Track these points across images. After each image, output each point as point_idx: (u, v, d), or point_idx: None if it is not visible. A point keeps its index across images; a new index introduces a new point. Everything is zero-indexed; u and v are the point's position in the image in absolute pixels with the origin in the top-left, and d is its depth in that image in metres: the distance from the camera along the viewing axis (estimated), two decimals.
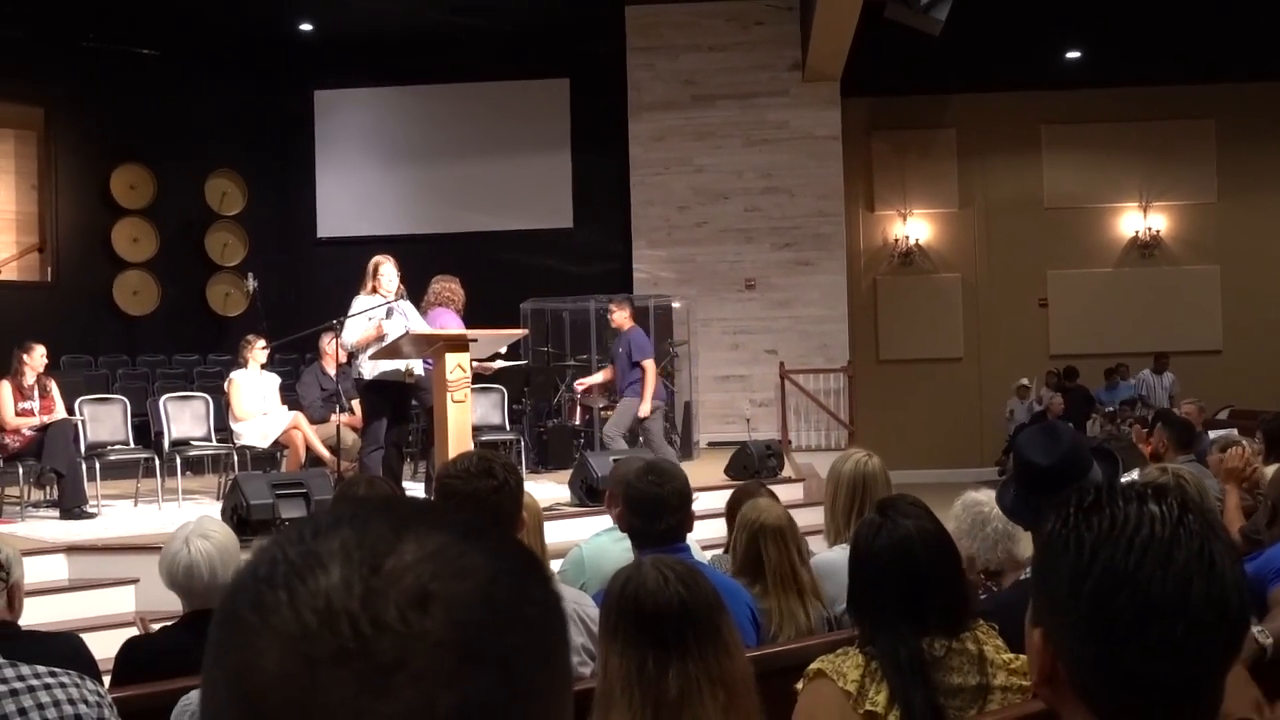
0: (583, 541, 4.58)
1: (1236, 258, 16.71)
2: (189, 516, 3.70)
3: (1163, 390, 15.31)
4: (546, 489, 9.36)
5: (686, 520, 3.62)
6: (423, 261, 10.12)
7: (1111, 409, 14.60)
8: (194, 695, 2.67)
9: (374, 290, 8.10)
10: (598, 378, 10.35)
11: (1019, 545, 3.98)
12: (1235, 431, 8.93)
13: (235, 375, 9.86)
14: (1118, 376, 15.91)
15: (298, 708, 0.63)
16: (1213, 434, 8.73)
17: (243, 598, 0.68)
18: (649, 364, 9.93)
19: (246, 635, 0.66)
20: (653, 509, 3.51)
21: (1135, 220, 17.00)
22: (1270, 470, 5.10)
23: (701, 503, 8.85)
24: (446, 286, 9.35)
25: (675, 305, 14.14)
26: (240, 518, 6.88)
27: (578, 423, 12.11)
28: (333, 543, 0.68)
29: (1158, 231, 16.96)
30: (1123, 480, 3.77)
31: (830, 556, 4.12)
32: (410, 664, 0.64)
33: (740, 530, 3.82)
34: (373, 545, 0.67)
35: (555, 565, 4.51)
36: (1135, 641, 1.17)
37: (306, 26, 15.70)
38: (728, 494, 5.10)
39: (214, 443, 10.03)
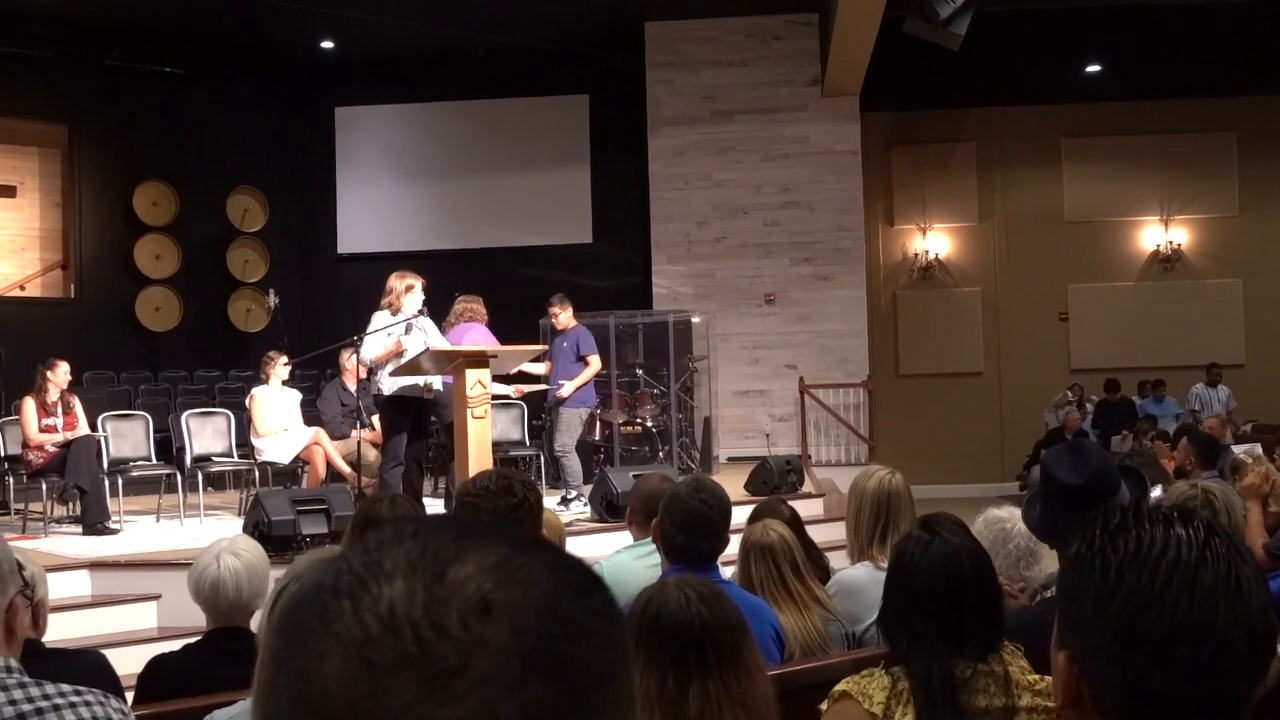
0: (603, 558, 4.57)
1: (1259, 271, 16.63)
2: (211, 532, 3.72)
3: (1219, 404, 15.09)
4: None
5: (723, 544, 3.64)
6: (443, 277, 10.14)
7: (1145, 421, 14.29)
8: (219, 714, 2.67)
9: (395, 309, 8.10)
10: (539, 368, 9.86)
11: (1041, 563, 3.96)
12: (1259, 446, 8.89)
13: (257, 391, 9.91)
14: (1155, 391, 15.73)
15: (360, 712, 0.65)
16: (1236, 449, 8.70)
17: (307, 607, 0.69)
18: (596, 359, 9.88)
19: (310, 642, 0.67)
20: (699, 527, 3.51)
21: (1157, 234, 16.94)
22: None
23: None
24: (469, 306, 9.40)
25: (695, 320, 14.15)
26: (262, 533, 6.89)
27: (597, 439, 12.11)
28: (396, 554, 0.70)
29: (1179, 245, 16.89)
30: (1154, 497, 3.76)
31: (854, 574, 4.11)
32: (472, 670, 0.65)
33: (740, 548, 3.86)
34: (435, 555, 0.69)
35: None
36: (1162, 664, 1.17)
37: (328, 44, 15.79)
38: (747, 509, 5.09)
39: (235, 458, 10.06)
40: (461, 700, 0.64)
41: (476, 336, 8.87)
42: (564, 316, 9.92)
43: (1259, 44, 15.42)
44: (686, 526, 3.51)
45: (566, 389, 9.55)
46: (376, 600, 0.67)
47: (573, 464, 9.56)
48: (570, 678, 0.67)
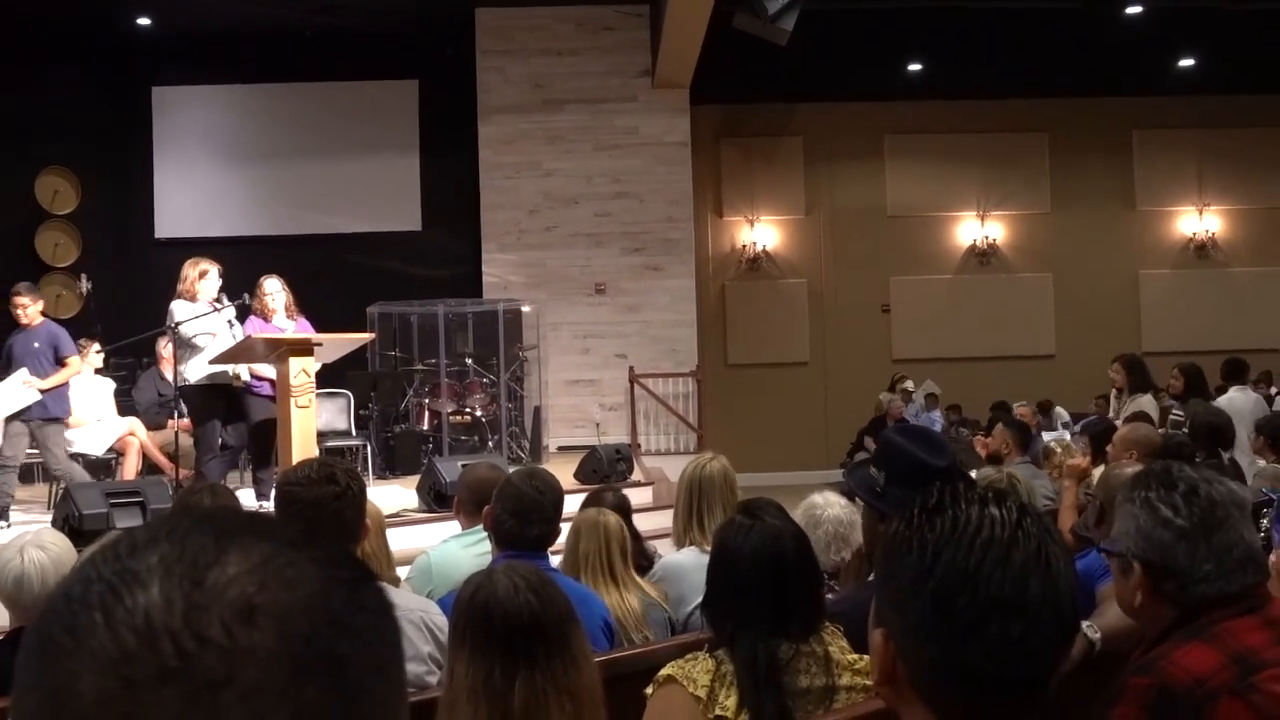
0: (430, 548, 4.52)
1: (1068, 265, 17.38)
2: (17, 528, 3.54)
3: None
4: (394, 495, 9.22)
5: (554, 533, 3.66)
6: (266, 264, 9.85)
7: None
8: None
9: (191, 296, 7.81)
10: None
11: (853, 548, 4.06)
12: (1067, 434, 9.27)
13: None
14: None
15: None
16: (1046, 435, 9.07)
17: (55, 622, 0.64)
18: (76, 360, 8.59)
19: (60, 661, 0.62)
20: (529, 513, 3.52)
21: (973, 229, 17.53)
22: (1097, 472, 5.30)
23: None
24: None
25: (525, 309, 14.09)
26: (72, 528, 6.60)
27: (426, 428, 11.97)
28: (151, 558, 0.65)
29: (995, 240, 17.52)
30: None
31: (677, 558, 4.15)
32: (239, 680, 0.61)
33: (569, 532, 3.89)
34: (193, 559, 0.65)
35: (402, 572, 4.44)
36: (975, 640, 1.20)
37: (145, 21, 15.21)
38: (578, 498, 5.10)
39: None
40: (229, 712, 0.61)
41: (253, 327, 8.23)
42: (33, 310, 8.42)
43: (1071, 49, 16.09)
44: (518, 512, 3.51)
45: (41, 385, 8.11)
46: (131, 611, 0.62)
47: (76, 474, 8.25)
48: (344, 678, 0.65)
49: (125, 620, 0.62)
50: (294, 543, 0.68)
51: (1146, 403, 8.45)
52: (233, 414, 7.98)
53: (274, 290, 8.25)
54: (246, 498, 8.36)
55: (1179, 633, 2.00)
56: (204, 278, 7.86)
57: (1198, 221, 17.70)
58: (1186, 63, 17.02)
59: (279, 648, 0.63)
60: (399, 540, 5.19)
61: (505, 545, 3.53)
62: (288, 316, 8.27)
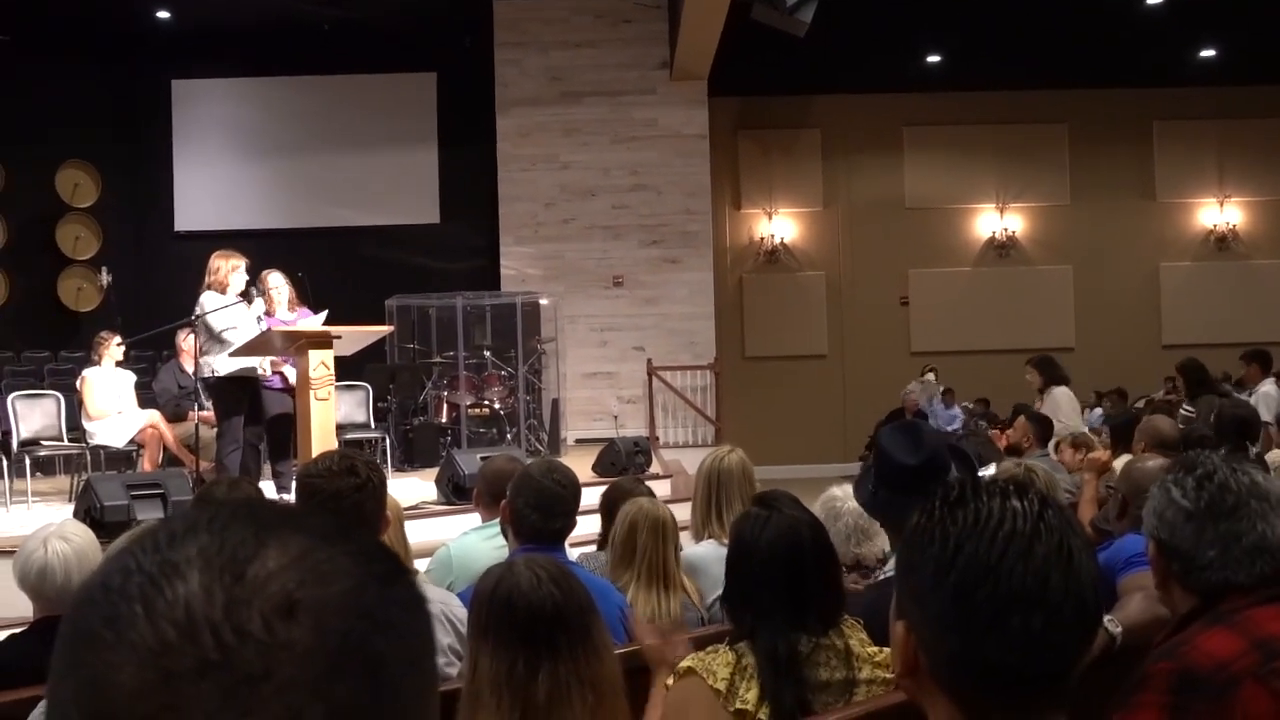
0: (450, 541, 4.53)
1: (1088, 258, 17.29)
2: (39, 519, 3.56)
3: None
4: (413, 487, 9.24)
5: (573, 525, 3.66)
6: (285, 257, 9.89)
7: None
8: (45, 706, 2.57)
9: (222, 288, 7.85)
10: None
11: (875, 541, 4.06)
12: (1084, 427, 9.26)
13: (88, 373, 9.55)
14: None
15: None
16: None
17: (93, 612, 0.64)
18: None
19: (99, 651, 0.63)
20: (551, 506, 3.52)
21: (992, 221, 17.47)
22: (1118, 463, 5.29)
23: None
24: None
25: (543, 302, 14.10)
26: (94, 519, 6.64)
27: (444, 420, 11.99)
28: (190, 550, 0.65)
29: (1014, 232, 17.46)
30: (983, 475, 3.87)
31: (698, 551, 4.15)
32: (277, 674, 0.62)
33: (620, 522, 3.83)
34: (233, 551, 0.65)
35: (421, 564, 4.46)
36: (996, 632, 1.20)
37: (164, 14, 15.26)
38: (596, 490, 5.09)
39: (65, 442, 9.70)
40: (266, 706, 0.61)
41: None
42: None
43: (1089, 39, 16.00)
44: (539, 506, 3.52)
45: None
46: (171, 604, 0.63)
47: None
48: (378, 674, 0.65)
49: (165, 612, 0.63)
50: (330, 536, 0.69)
51: (1061, 395, 8.61)
52: (253, 410, 8.02)
53: (278, 285, 8.28)
54: (267, 490, 8.40)
55: (1201, 619, 2.01)
56: (235, 271, 7.90)
57: (1218, 213, 17.60)
58: (1207, 53, 16.92)
59: (316, 643, 0.63)
60: (417, 533, 5.20)
61: (527, 539, 3.53)
62: (290, 309, 8.31)
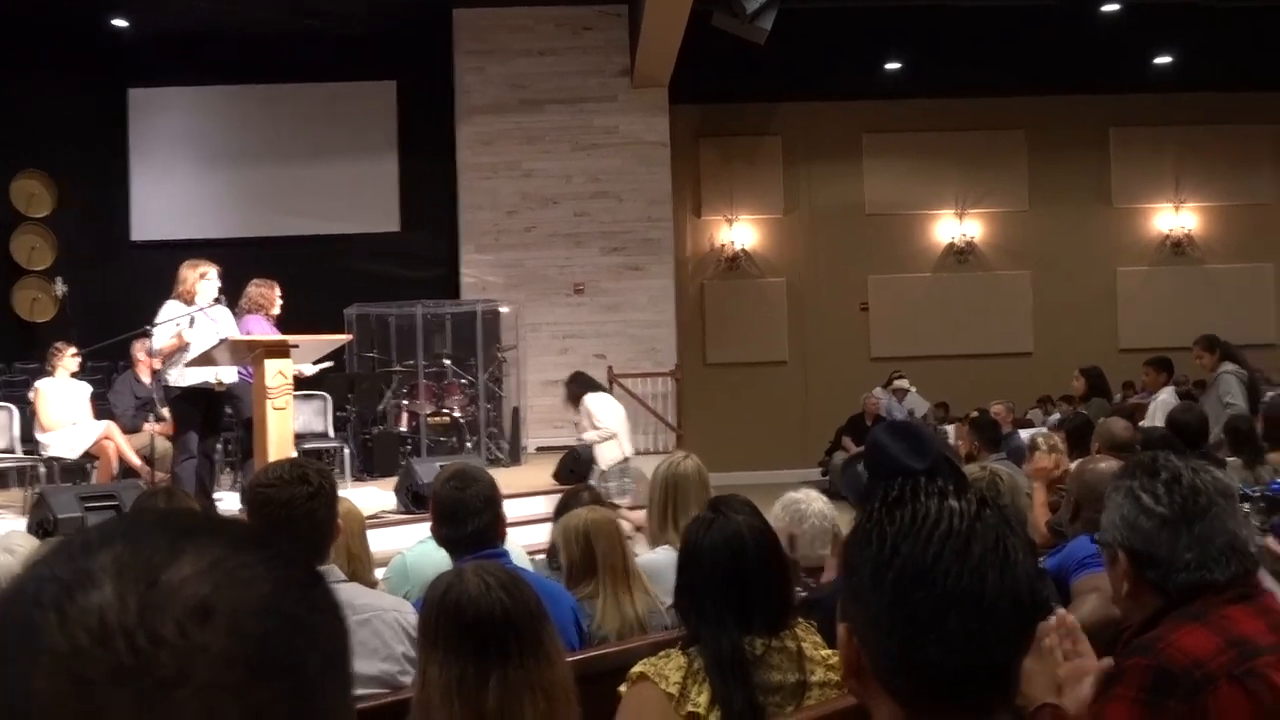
0: (406, 549, 4.51)
1: (1046, 263, 17.43)
2: None
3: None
4: (372, 496, 9.20)
5: (496, 524, 3.60)
6: (244, 266, 9.82)
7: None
8: None
9: (189, 297, 7.80)
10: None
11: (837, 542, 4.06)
12: (1046, 430, 9.31)
13: (41, 384, 9.45)
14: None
15: None
16: (1024, 433, 9.09)
17: (7, 621, 0.64)
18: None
19: (12, 661, 0.62)
20: (454, 513, 3.50)
21: (951, 227, 17.58)
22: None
23: (530, 507, 8.77)
24: (260, 291, 8.76)
25: (504, 310, 14.07)
26: (47, 532, 6.58)
27: (404, 429, 11.94)
28: (105, 558, 0.65)
29: (973, 238, 17.57)
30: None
31: (653, 557, 4.15)
32: (193, 678, 0.62)
33: (570, 534, 3.79)
34: (148, 559, 0.65)
35: (380, 573, 4.43)
36: (934, 632, 1.20)
37: (121, 22, 15.13)
38: (556, 498, 5.08)
39: (19, 454, 9.59)
40: (182, 710, 0.61)
41: (251, 328, 8.27)
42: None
43: (1048, 47, 16.14)
44: (444, 515, 3.51)
45: None
46: (85, 612, 0.63)
47: None
48: (296, 675, 0.66)
49: (79, 619, 0.63)
50: (247, 543, 0.69)
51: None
52: (208, 422, 7.96)
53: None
54: (232, 499, 8.35)
55: (1174, 615, 2.02)
56: (203, 279, 7.83)
57: (1174, 218, 17.78)
58: (1163, 60, 17.09)
59: (232, 647, 0.63)
60: (377, 542, 5.18)
61: (452, 550, 3.52)
62: (237, 312, 8.30)
